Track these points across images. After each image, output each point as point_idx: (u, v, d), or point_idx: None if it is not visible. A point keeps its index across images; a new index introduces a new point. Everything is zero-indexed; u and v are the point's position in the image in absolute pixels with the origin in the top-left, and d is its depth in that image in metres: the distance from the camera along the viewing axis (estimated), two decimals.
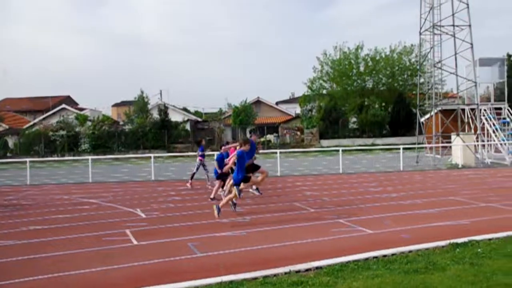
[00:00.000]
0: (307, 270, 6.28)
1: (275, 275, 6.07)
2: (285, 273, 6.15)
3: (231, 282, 5.85)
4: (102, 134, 45.70)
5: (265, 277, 6.02)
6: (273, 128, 53.88)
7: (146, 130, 45.48)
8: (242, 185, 9.79)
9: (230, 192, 10.84)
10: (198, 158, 16.58)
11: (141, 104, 48.04)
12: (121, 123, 51.94)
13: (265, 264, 6.57)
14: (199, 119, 59.50)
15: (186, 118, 53.57)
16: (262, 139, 50.04)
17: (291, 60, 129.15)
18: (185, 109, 64.05)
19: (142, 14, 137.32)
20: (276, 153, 21.84)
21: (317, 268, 6.34)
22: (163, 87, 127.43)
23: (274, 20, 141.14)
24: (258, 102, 58.58)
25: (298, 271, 6.22)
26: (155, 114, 48.12)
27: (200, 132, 52.14)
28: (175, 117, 50.41)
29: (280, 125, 53.37)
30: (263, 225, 9.46)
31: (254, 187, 12.92)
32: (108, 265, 6.78)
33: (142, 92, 48.37)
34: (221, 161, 12.82)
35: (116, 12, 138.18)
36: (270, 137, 51.35)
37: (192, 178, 16.64)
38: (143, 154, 33.61)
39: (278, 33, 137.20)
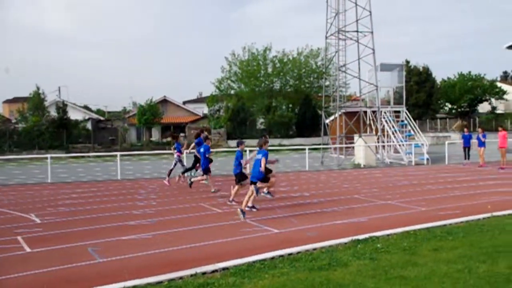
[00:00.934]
0: (213, 271, 6.20)
1: (180, 278, 5.94)
2: (191, 275, 6.03)
3: (134, 287, 5.60)
4: None
5: (171, 280, 5.86)
6: (180, 128, 53.19)
7: (43, 129, 42.53)
8: (258, 184, 10.30)
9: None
10: (176, 154, 16.50)
11: (36, 100, 44.78)
12: (14, 121, 48.22)
13: (171, 267, 6.39)
14: (102, 118, 57.12)
15: (87, 117, 51.09)
16: (168, 139, 49.14)
17: (200, 59, 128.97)
18: (86, 107, 61.18)
19: (41, 4, 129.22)
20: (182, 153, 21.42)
21: (223, 269, 6.28)
22: (62, 84, 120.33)
23: (183, 18, 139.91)
24: (164, 101, 57.47)
25: (204, 273, 6.12)
26: (53, 112, 45.23)
27: (102, 132, 50.09)
28: (75, 115, 47.85)
29: (188, 125, 52.82)
30: (170, 227, 9.22)
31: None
32: None
33: (38, 88, 45.12)
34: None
35: None
36: None
37: (169, 175, 16.34)
38: (39, 155, 31.43)
39: (186, 31, 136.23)
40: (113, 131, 49.86)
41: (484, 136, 21.19)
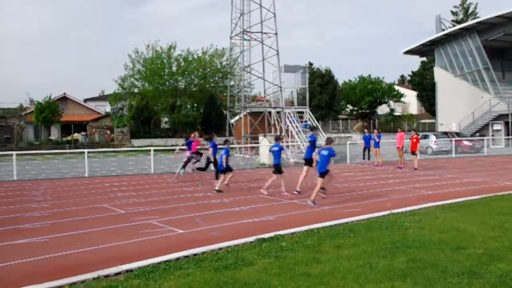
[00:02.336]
0: (117, 274, 6.08)
1: (82, 282, 5.76)
2: (94, 278, 5.87)
3: None
4: None
5: (72, 284, 5.66)
6: (81, 126, 50.88)
7: None
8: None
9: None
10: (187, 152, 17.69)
11: None
12: None
13: (71, 270, 6.16)
14: None
15: None
16: (68, 138, 46.77)
17: (102, 55, 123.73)
18: None
19: None
20: (84, 152, 20.54)
21: (127, 271, 6.18)
22: None
23: (84, 11, 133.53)
24: (64, 99, 54.47)
25: (107, 276, 5.98)
26: None
27: None
28: None
29: (89, 123, 50.65)
30: (69, 229, 8.83)
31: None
32: None
33: None
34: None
35: None
36: (77, 136, 48.25)
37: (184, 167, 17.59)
38: None
39: (88, 25, 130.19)
40: (8, 129, 46.45)
41: (379, 137, 22.35)
